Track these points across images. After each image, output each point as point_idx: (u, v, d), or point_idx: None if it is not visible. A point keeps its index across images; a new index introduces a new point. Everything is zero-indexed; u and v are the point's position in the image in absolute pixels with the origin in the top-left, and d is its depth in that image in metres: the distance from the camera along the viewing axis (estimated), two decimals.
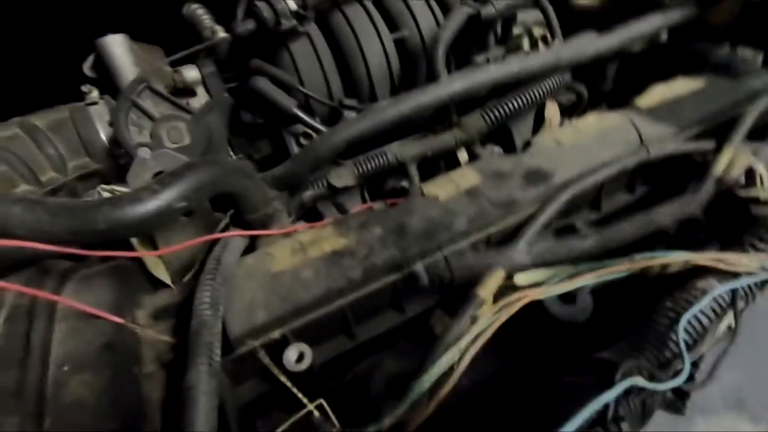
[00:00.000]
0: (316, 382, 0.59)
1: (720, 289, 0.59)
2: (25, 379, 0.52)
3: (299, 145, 0.97)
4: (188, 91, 0.96)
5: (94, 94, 0.91)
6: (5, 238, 0.48)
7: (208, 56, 0.98)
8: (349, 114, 0.96)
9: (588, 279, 0.62)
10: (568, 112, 1.06)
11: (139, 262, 0.66)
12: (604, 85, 1.12)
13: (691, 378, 0.55)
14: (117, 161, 0.82)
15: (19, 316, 0.57)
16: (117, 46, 0.92)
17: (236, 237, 0.67)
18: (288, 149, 0.97)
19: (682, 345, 0.55)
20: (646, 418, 0.53)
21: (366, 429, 0.52)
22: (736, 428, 0.55)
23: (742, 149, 0.76)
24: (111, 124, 0.85)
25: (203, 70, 0.96)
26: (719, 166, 0.74)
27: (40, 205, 0.49)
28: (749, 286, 0.61)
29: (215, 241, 0.67)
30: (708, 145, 0.79)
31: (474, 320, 0.59)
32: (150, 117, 0.83)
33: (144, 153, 0.78)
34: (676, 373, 0.53)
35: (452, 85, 0.84)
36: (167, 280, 0.66)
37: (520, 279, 0.68)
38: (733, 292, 0.60)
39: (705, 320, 0.58)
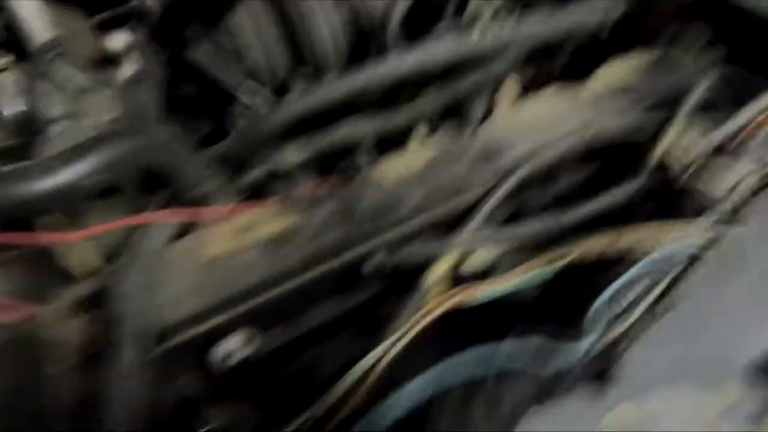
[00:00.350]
0: (254, 376, 0.55)
1: (644, 263, 0.59)
2: None
3: (242, 122, 0.90)
4: (114, 60, 0.86)
5: (1, 60, 0.80)
6: None
7: (139, 21, 0.88)
8: (299, 87, 0.90)
9: (526, 275, 0.61)
10: (524, 91, 1.05)
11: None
12: (555, 68, 1.13)
13: (609, 351, 0.55)
14: (25, 138, 0.72)
15: None
16: (26, 4, 0.81)
17: (166, 219, 0.61)
18: (229, 127, 0.90)
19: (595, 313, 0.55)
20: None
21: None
22: (689, 397, 0.55)
23: (687, 128, 0.77)
24: (20, 94, 0.75)
25: (132, 36, 0.86)
26: (663, 144, 0.76)
27: None
28: (678, 258, 0.62)
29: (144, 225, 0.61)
30: (654, 123, 0.80)
31: (420, 309, 0.57)
32: (65, 88, 0.73)
33: (58, 128, 0.69)
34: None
35: (406, 60, 0.81)
36: (84, 269, 0.59)
37: (468, 266, 0.66)
38: (662, 264, 0.61)
39: (632, 293, 0.58)
